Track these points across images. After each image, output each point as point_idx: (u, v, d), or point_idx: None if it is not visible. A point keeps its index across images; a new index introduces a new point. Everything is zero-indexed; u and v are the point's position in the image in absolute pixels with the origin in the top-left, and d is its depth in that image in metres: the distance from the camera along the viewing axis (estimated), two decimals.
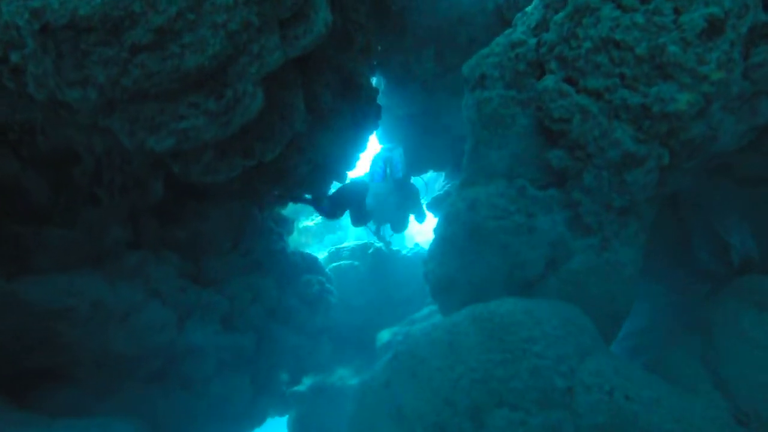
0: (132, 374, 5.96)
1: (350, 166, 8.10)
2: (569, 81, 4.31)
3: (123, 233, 6.37)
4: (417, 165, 10.36)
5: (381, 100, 8.35)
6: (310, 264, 8.79)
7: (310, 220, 13.85)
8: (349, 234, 13.52)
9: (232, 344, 7.19)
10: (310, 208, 14.42)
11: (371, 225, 9.81)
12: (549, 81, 4.41)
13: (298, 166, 6.09)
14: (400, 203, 10.62)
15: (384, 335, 9.90)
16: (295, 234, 13.15)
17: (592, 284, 4.90)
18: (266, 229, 8.00)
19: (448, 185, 10.72)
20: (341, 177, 8.22)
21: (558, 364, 3.76)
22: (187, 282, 6.87)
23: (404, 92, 8.55)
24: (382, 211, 10.79)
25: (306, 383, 10.25)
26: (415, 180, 10.81)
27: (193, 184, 6.72)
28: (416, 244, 12.22)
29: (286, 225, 9.24)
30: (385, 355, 9.67)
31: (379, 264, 11.00)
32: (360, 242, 11.49)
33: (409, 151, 9.93)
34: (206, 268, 7.27)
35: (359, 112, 6.93)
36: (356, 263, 10.83)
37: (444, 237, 6.08)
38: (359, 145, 7.60)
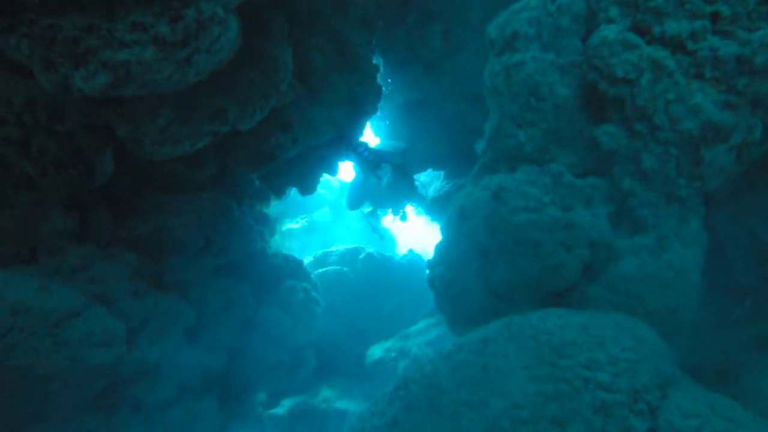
0: (65, 400, 4.73)
1: (344, 154, 7.07)
2: (637, 30, 3.39)
3: (64, 223, 5.19)
4: (416, 161, 9.39)
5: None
6: (294, 268, 7.67)
7: (294, 222, 12.68)
8: (337, 239, 12.46)
9: (198, 362, 6.00)
10: (297, 207, 13.29)
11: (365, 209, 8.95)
12: (609, 31, 3.47)
13: (282, 145, 5.04)
14: (394, 185, 9.56)
15: (375, 351, 8.80)
16: (277, 237, 12.00)
17: (648, 294, 3.93)
18: (244, 226, 6.88)
19: (449, 185, 9.78)
20: (333, 168, 7.18)
21: (633, 400, 2.75)
22: (144, 285, 5.69)
23: (406, 75, 7.61)
24: (376, 194, 9.74)
25: (285, 405, 9.03)
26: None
27: (156, 167, 5.60)
28: (410, 250, 11.22)
29: (267, 224, 8.12)
30: (376, 373, 8.54)
31: (370, 270, 9.94)
32: (350, 246, 10.42)
33: (410, 144, 8.97)
34: (170, 270, 6.09)
35: (357, 89, 5.93)
36: (345, 269, 9.73)
37: (456, 235, 5.07)
38: (355, 128, 6.59)
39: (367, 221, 10.19)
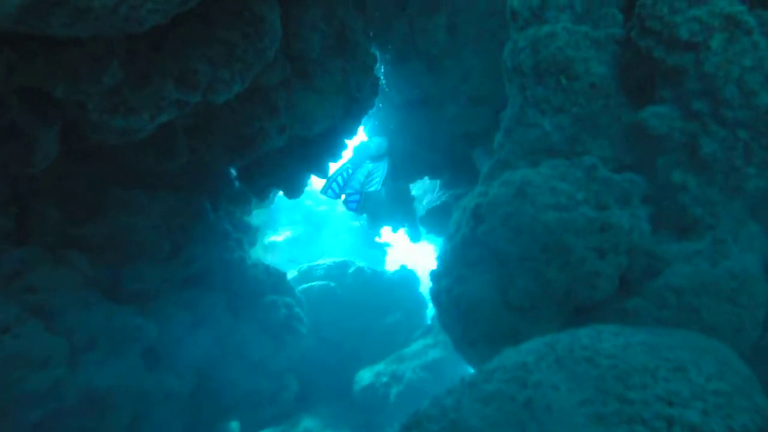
0: None
1: (336, 154, 6.37)
2: None
3: None
4: (411, 168, 8.74)
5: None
6: (277, 282, 6.84)
7: (277, 234, 11.81)
8: (326, 253, 11.63)
9: (160, 387, 5.08)
10: (280, 220, 12.50)
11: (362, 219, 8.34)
12: None
13: (266, 132, 4.31)
14: (393, 204, 9.08)
15: (364, 376, 7.92)
16: (258, 249, 11.13)
17: (706, 308, 3.25)
18: (220, 231, 6.06)
19: (446, 195, 9.13)
20: (322, 169, 6.46)
21: None
22: (96, 296, 4.81)
23: (405, 72, 7.01)
24: (375, 211, 9.27)
25: None
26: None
27: (116, 156, 4.81)
28: (402, 266, 10.47)
29: (248, 232, 7.30)
30: (366, 400, 7.65)
31: (360, 286, 9.13)
32: (338, 260, 9.62)
33: (405, 149, 8.33)
34: (129, 278, 5.22)
35: (353, 79, 5.28)
36: (332, 284, 8.91)
37: (468, 241, 4.37)
38: (350, 125, 5.91)
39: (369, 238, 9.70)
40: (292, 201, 13.10)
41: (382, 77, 7.20)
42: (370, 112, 7.94)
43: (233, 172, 6.26)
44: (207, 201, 5.84)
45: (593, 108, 3.72)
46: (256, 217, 10.28)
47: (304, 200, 12.96)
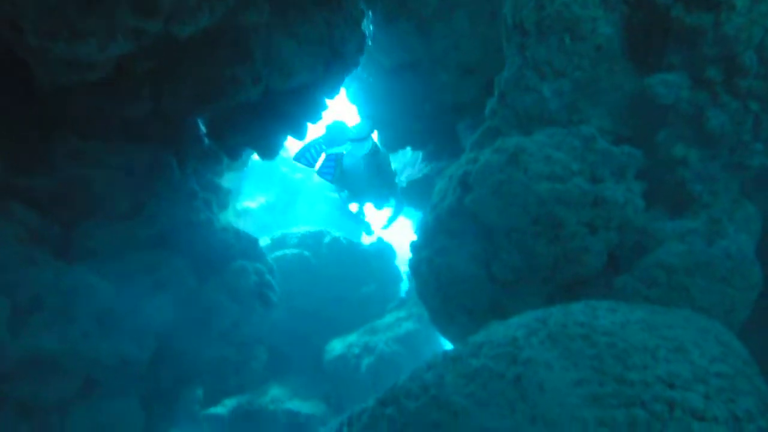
0: None
1: (316, 114, 5.96)
2: None
3: None
4: (393, 137, 8.41)
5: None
6: (247, 247, 6.48)
7: (251, 200, 11.33)
8: (301, 222, 11.26)
9: (114, 353, 4.73)
10: (255, 185, 11.97)
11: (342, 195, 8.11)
12: None
13: (239, 79, 3.89)
14: (373, 180, 8.78)
15: (336, 346, 7.76)
16: (230, 213, 10.66)
17: (698, 288, 3.13)
18: (186, 190, 5.63)
19: (428, 168, 8.86)
20: (300, 130, 6.05)
21: None
22: (45, 253, 4.37)
23: (393, 34, 6.58)
24: (356, 187, 8.91)
25: (227, 404, 7.82)
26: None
27: (70, 98, 4.30)
28: (379, 238, 10.25)
29: (218, 193, 6.86)
30: (336, 371, 7.52)
31: (336, 257, 8.88)
32: (313, 229, 9.30)
33: (388, 116, 7.96)
34: (83, 236, 4.78)
35: (337, 31, 4.85)
36: (306, 253, 8.61)
37: (453, 211, 4.13)
38: (331, 82, 5.50)
39: (347, 210, 9.36)
40: (267, 167, 12.56)
41: (369, 40, 6.75)
42: (355, 73, 7.52)
43: (202, 128, 5.79)
44: (172, 157, 5.38)
45: (596, 73, 3.47)
46: (230, 181, 9.78)
47: (280, 167, 12.47)
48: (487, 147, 4.19)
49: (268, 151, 5.84)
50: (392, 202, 9.71)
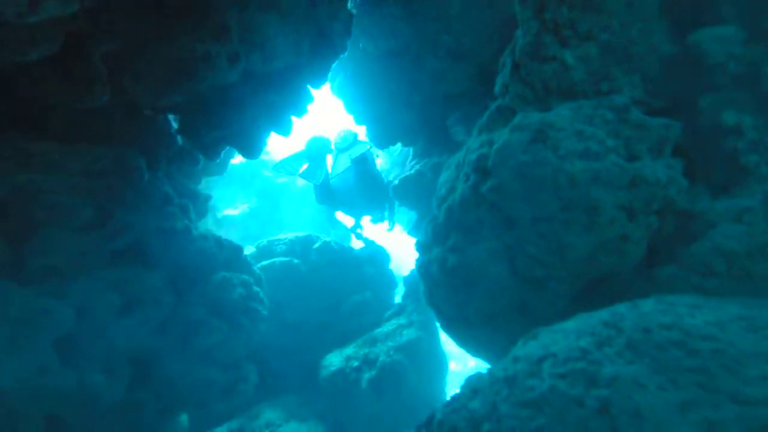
0: None
1: (301, 105, 5.40)
2: None
3: None
4: (383, 132, 7.90)
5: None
6: (231, 256, 5.87)
7: (232, 208, 10.62)
8: (286, 228, 10.62)
9: (79, 387, 4.07)
10: (236, 192, 11.28)
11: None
12: None
13: (213, 59, 3.33)
14: (365, 190, 8.50)
15: (332, 360, 7.16)
16: (210, 222, 9.97)
17: (764, 275, 2.70)
18: (159, 195, 5.00)
19: (420, 164, 8.37)
20: (284, 125, 5.48)
21: None
22: None
23: (379, 17, 6.09)
24: (349, 202, 8.76)
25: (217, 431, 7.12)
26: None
27: (13, 87, 3.66)
28: (371, 242, 9.71)
29: (195, 199, 6.23)
30: (334, 388, 6.91)
31: (327, 263, 8.30)
32: (301, 234, 8.71)
33: (378, 111, 7.45)
34: (37, 252, 4.11)
35: (323, 8, 4.32)
36: (296, 261, 8.01)
37: (467, 201, 3.62)
38: (317, 68, 4.96)
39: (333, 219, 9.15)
40: (247, 171, 11.88)
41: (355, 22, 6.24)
42: (339, 64, 7.00)
43: (174, 124, 5.18)
44: (140, 158, 4.75)
45: (628, 34, 3.01)
46: (208, 187, 9.10)
47: (262, 171, 11.82)
48: (501, 127, 3.72)
49: (250, 148, 5.25)
50: (386, 209, 9.36)
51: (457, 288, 3.73)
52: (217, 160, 5.68)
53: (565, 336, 2.01)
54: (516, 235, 3.29)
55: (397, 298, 9.70)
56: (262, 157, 7.52)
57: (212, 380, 5.08)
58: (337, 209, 9.60)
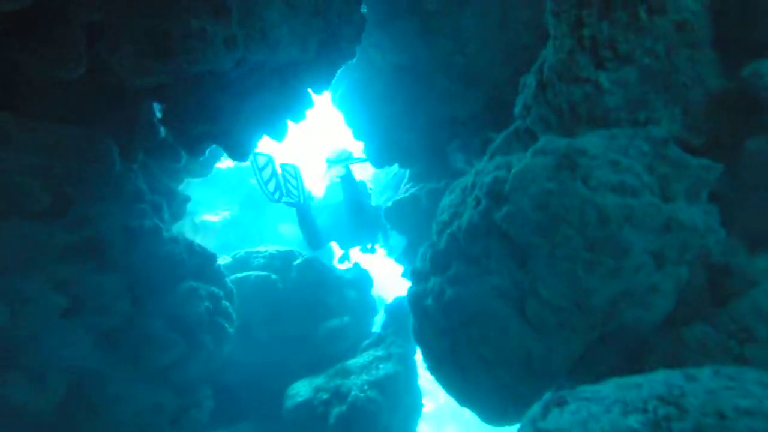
0: None
1: (299, 110, 5.02)
2: None
3: None
4: (382, 151, 7.55)
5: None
6: (202, 265, 5.33)
7: (213, 214, 10.01)
8: (267, 241, 10.03)
9: (4, 398, 3.44)
10: (218, 198, 10.72)
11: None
12: None
13: (208, 35, 2.92)
14: (357, 220, 8.24)
15: (300, 389, 6.53)
16: (187, 226, 9.37)
17: None
18: (129, 188, 4.50)
19: (416, 188, 8.02)
20: (278, 129, 5.07)
21: None
22: None
23: (392, 29, 5.84)
24: (342, 235, 8.52)
25: None
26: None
27: None
28: (356, 264, 9.22)
29: (172, 198, 5.72)
30: (299, 421, 6.27)
31: (307, 282, 7.77)
32: (282, 248, 8.18)
33: (379, 128, 7.12)
34: None
35: (335, 5, 4.00)
36: (273, 277, 7.46)
37: (476, 228, 3.22)
38: (323, 70, 4.61)
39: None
40: (234, 178, 11.37)
41: (366, 35, 5.96)
42: (343, 73, 6.70)
43: (158, 113, 4.74)
44: (113, 144, 4.26)
45: (673, 61, 2.71)
46: (192, 191, 8.54)
47: (249, 178, 11.33)
48: (517, 151, 3.37)
49: (238, 149, 4.81)
50: (380, 235, 9.03)
51: (452, 326, 3.28)
52: (201, 159, 5.23)
53: (606, 409, 1.57)
54: (529, 273, 2.88)
55: (375, 327, 9.18)
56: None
57: (160, 405, 4.45)
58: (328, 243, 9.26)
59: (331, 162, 8.94)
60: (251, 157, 7.58)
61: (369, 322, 9.08)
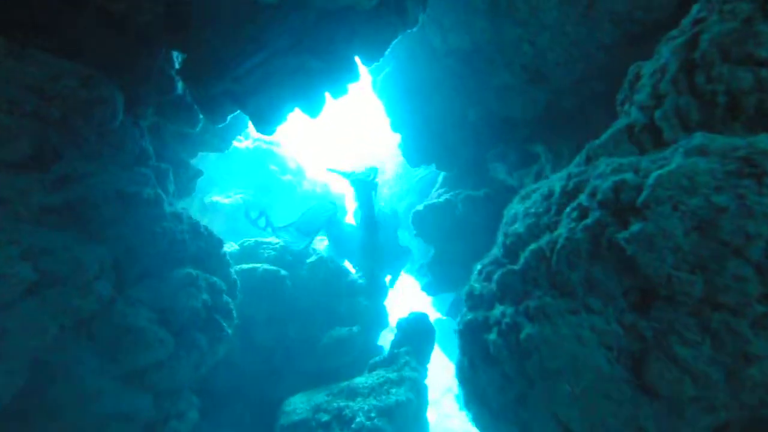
0: None
1: (342, 82, 4.22)
2: None
3: None
4: (422, 148, 6.74)
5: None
6: (206, 250, 4.55)
7: (224, 196, 9.14)
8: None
9: None
10: (233, 177, 9.95)
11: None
12: None
13: None
14: (369, 251, 7.60)
15: (297, 405, 5.70)
16: (195, 205, 8.62)
17: None
18: (132, 148, 3.75)
19: (450, 194, 7.18)
20: (315, 102, 4.28)
21: None
22: None
23: (459, 5, 5.02)
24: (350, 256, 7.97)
25: None
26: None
27: None
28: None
29: (182, 169, 5.00)
30: None
31: (319, 282, 6.96)
32: (296, 243, 7.38)
33: (423, 119, 6.31)
34: None
35: None
36: (283, 273, 6.66)
37: (578, 247, 2.39)
38: (379, 38, 3.82)
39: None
40: (254, 161, 10.55)
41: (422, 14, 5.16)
42: (393, 54, 5.93)
43: (176, 64, 3.99)
44: (118, 90, 3.51)
45: None
46: (206, 168, 7.75)
47: (269, 164, 10.56)
48: (628, 153, 2.53)
49: (265, 118, 4.04)
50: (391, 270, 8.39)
51: (526, 375, 2.44)
52: (220, 128, 4.46)
53: None
54: (658, 320, 2.04)
55: (380, 340, 8.33)
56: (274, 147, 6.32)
57: (135, 412, 3.65)
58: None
59: (334, 171, 8.49)
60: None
61: (377, 335, 8.23)
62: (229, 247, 7.16)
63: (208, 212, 8.84)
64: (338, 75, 4.12)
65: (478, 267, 3.15)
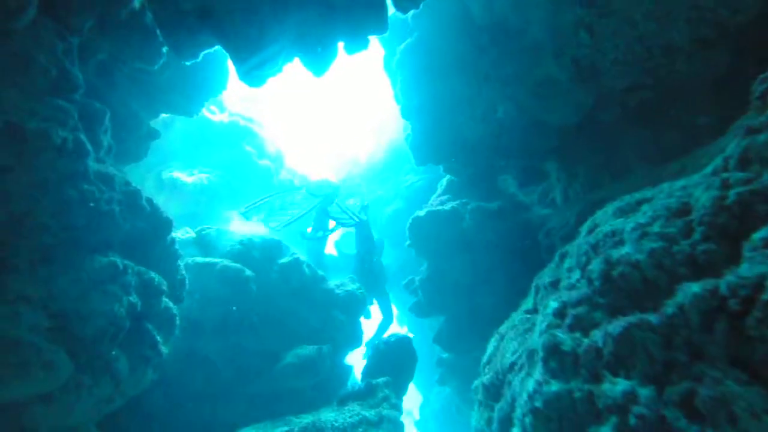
0: None
1: (363, 31, 3.12)
2: None
3: None
4: (433, 144, 5.69)
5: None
6: (147, 231, 3.30)
7: (187, 174, 7.60)
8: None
9: None
10: (194, 151, 8.50)
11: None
12: None
13: None
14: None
15: None
16: (151, 183, 7.21)
17: None
18: (50, 70, 2.49)
19: (456, 202, 6.15)
20: (322, 56, 3.16)
21: None
22: None
23: None
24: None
25: None
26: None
27: None
28: (350, 278, 7.20)
29: (129, 122, 3.77)
30: None
31: (291, 288, 5.73)
32: (268, 237, 6.10)
33: (438, 109, 5.26)
34: None
35: None
36: (247, 273, 5.37)
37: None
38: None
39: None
40: (226, 137, 9.10)
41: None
42: (415, 24, 4.88)
43: None
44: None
45: None
46: (169, 134, 6.33)
47: (245, 144, 9.20)
48: None
49: (254, 62, 2.88)
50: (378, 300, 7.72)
51: None
52: (189, 63, 3.25)
53: None
54: None
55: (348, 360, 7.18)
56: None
57: None
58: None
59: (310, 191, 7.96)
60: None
61: (345, 353, 7.07)
62: (184, 233, 5.85)
63: (165, 190, 7.43)
64: (364, 18, 3.03)
65: (554, 305, 2.10)
